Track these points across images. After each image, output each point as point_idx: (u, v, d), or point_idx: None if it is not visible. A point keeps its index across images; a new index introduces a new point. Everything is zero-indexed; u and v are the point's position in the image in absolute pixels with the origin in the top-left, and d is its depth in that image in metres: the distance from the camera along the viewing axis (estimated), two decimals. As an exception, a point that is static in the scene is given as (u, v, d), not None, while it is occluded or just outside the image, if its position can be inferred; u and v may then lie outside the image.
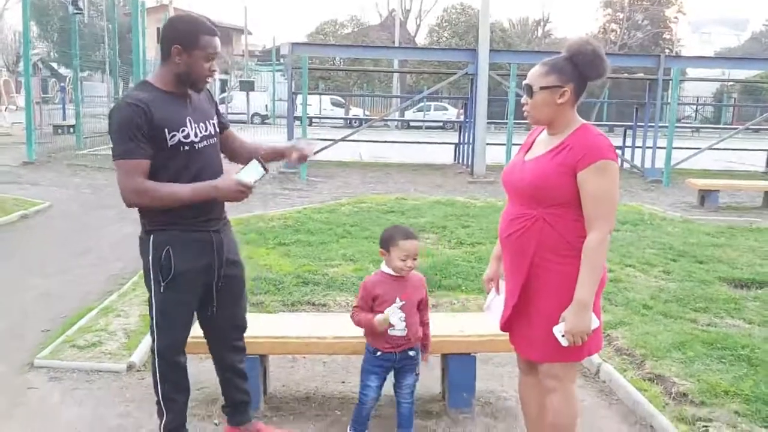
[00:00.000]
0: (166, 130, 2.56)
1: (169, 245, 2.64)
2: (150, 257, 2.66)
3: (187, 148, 2.62)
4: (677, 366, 3.85)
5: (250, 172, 2.64)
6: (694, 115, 40.52)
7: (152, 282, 2.68)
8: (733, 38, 62.00)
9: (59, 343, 4.16)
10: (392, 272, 2.88)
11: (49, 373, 3.83)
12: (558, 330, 2.43)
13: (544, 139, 2.57)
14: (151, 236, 2.67)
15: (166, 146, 2.58)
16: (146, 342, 4.15)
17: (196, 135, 2.65)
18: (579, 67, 2.44)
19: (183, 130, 2.61)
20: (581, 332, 2.40)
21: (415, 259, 2.87)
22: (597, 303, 2.52)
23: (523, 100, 2.55)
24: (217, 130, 2.82)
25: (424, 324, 3.06)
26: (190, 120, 2.65)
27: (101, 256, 6.57)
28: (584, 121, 2.52)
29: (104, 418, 3.35)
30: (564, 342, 2.43)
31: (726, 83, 36.64)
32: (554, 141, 2.50)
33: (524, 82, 2.53)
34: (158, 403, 2.85)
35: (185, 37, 2.57)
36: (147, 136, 2.53)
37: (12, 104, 25.93)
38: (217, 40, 2.64)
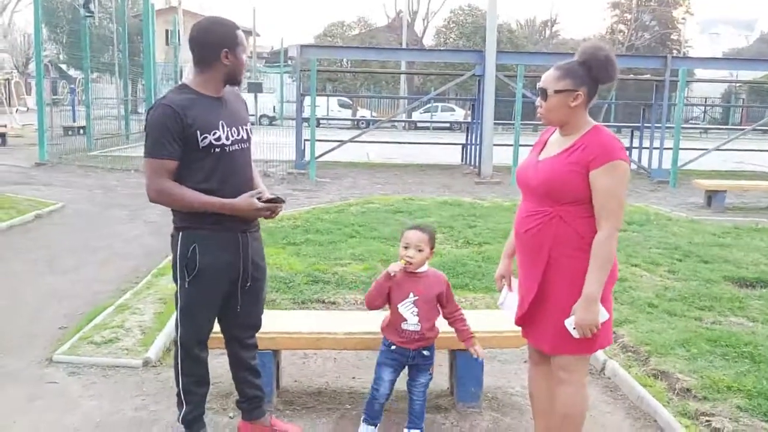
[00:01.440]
0: (198, 132, 2.67)
1: (195, 243, 2.75)
2: (177, 253, 2.78)
3: (218, 150, 2.73)
4: (681, 362, 3.92)
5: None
6: (702, 116, 40.43)
7: (178, 277, 2.80)
8: (741, 39, 61.79)
9: (77, 340, 4.27)
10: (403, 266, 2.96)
11: (67, 368, 3.93)
12: (569, 322, 2.54)
13: (557, 140, 2.67)
14: (180, 233, 2.79)
15: (198, 147, 2.69)
16: (162, 338, 4.26)
17: (227, 138, 2.76)
18: (592, 72, 2.54)
19: (215, 133, 2.71)
20: (590, 325, 2.50)
21: (420, 251, 2.95)
22: (608, 298, 2.62)
23: (537, 103, 2.65)
24: (250, 135, 2.92)
25: (456, 319, 3.11)
26: (222, 123, 2.75)
27: (114, 255, 6.69)
28: (596, 123, 2.63)
29: (121, 411, 3.45)
30: (575, 334, 2.53)
31: (734, 84, 36.55)
32: (567, 141, 2.60)
33: (538, 86, 2.63)
34: (178, 394, 2.96)
35: (229, 39, 2.71)
36: (179, 137, 2.65)
37: (22, 106, 26.19)
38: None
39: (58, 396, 3.61)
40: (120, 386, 3.74)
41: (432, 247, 3.03)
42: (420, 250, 2.96)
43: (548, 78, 2.59)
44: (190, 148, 2.68)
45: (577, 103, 2.55)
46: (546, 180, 2.57)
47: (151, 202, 2.75)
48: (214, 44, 2.70)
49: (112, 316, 4.68)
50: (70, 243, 7.16)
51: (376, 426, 3.13)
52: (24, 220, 8.04)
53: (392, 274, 2.95)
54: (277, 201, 2.81)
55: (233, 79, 2.80)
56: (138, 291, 5.29)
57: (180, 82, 2.85)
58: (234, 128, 2.80)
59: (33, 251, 6.76)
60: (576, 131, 2.59)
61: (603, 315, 2.53)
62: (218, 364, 3.59)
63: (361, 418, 3.17)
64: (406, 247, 2.97)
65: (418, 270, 3.01)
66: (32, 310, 4.98)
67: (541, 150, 2.73)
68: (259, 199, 2.77)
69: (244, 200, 2.75)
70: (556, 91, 2.56)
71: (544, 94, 2.60)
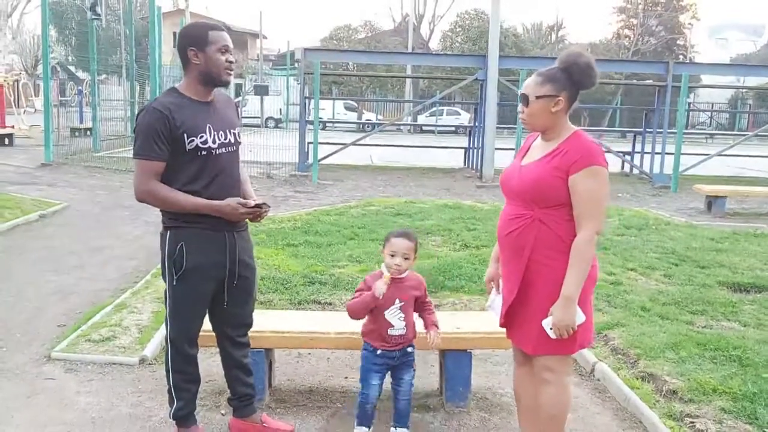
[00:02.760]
0: (185, 135, 2.75)
1: (183, 241, 2.83)
2: (165, 252, 2.86)
3: (204, 153, 2.81)
4: (670, 365, 3.97)
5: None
6: (708, 121, 40.37)
7: (167, 275, 2.88)
8: (749, 44, 61.57)
9: (75, 337, 4.35)
10: (387, 271, 2.99)
11: (65, 366, 4.01)
12: (546, 323, 2.60)
13: (539, 145, 2.74)
14: (168, 232, 2.87)
15: (185, 150, 2.77)
16: (158, 337, 4.32)
17: (214, 141, 2.83)
18: (573, 77, 2.62)
19: (201, 136, 2.79)
20: (567, 326, 2.56)
21: (407, 258, 2.97)
22: (587, 299, 2.68)
23: (519, 109, 2.72)
24: (238, 139, 2.98)
25: (426, 309, 3.10)
26: (210, 127, 2.83)
27: (115, 255, 6.77)
28: (576, 128, 2.70)
29: (117, 407, 3.52)
30: (552, 335, 2.59)
31: (740, 89, 36.52)
32: (549, 147, 2.66)
33: (520, 92, 2.71)
34: (169, 391, 3.03)
35: (196, 38, 2.79)
36: (167, 139, 2.73)
37: (30, 107, 26.39)
38: (225, 34, 2.84)
39: (55, 392, 3.68)
40: (116, 383, 3.81)
41: (416, 253, 3.04)
42: (407, 258, 2.98)
43: (530, 84, 2.66)
44: (178, 150, 2.76)
45: (558, 109, 2.62)
46: (528, 184, 2.63)
47: (139, 201, 2.84)
48: (184, 45, 2.79)
49: (110, 315, 4.75)
50: (72, 243, 7.25)
51: (370, 428, 3.16)
52: (28, 219, 8.15)
53: (380, 297, 2.93)
54: (261, 207, 2.87)
55: (211, 79, 2.83)
56: (137, 290, 5.37)
57: (171, 87, 2.93)
58: (221, 132, 2.87)
59: (36, 250, 6.85)
60: (557, 136, 2.66)
61: (580, 317, 2.58)
62: (213, 362, 3.66)
63: (355, 422, 3.19)
64: (392, 255, 2.97)
65: (402, 275, 3.03)
66: (33, 308, 5.06)
67: (524, 155, 2.80)
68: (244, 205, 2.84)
69: (228, 204, 2.82)
70: (538, 97, 2.62)
71: (525, 99, 2.66)
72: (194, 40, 2.78)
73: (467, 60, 18.09)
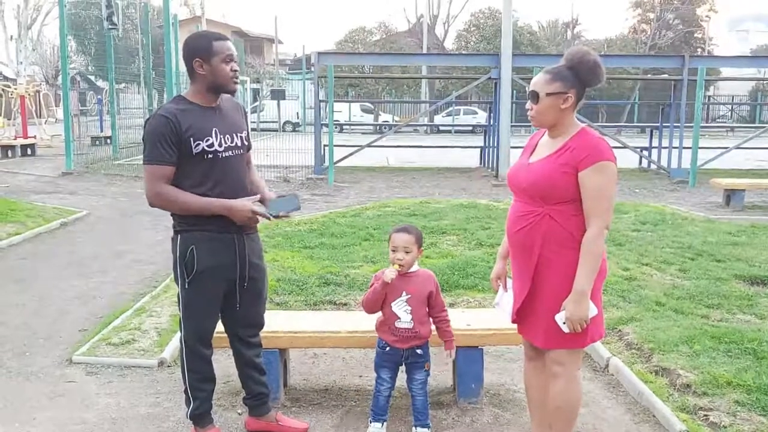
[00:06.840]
0: (191, 139, 2.82)
1: (193, 245, 2.90)
2: (177, 255, 2.93)
3: (210, 156, 2.87)
4: (683, 359, 3.96)
5: (284, 204, 2.99)
6: (730, 114, 39.88)
7: (179, 278, 2.95)
8: (770, 35, 60.65)
9: (95, 341, 4.45)
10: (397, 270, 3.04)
11: (86, 369, 4.11)
12: (560, 317, 2.63)
13: (546, 142, 2.77)
14: (179, 236, 2.94)
15: (191, 153, 2.84)
16: (176, 340, 4.39)
17: (220, 145, 2.90)
18: (580, 75, 2.65)
19: (207, 140, 2.86)
20: (580, 319, 2.59)
21: (408, 252, 3.04)
22: (598, 293, 2.71)
23: (527, 105, 2.76)
24: (245, 143, 3.04)
25: (441, 320, 3.16)
26: (216, 131, 2.89)
27: (136, 260, 6.89)
28: (583, 125, 2.73)
29: (136, 408, 3.60)
30: (565, 329, 2.63)
31: (761, 81, 36.01)
32: (557, 143, 2.70)
33: (529, 89, 2.74)
34: (186, 391, 3.10)
35: (201, 49, 2.86)
36: (174, 144, 2.80)
37: (51, 117, 26.80)
38: (229, 44, 2.91)
39: (76, 394, 3.78)
40: (135, 385, 3.89)
41: (420, 247, 3.10)
42: (408, 252, 3.04)
43: (539, 81, 2.69)
44: (185, 154, 2.83)
45: (566, 106, 2.66)
46: (537, 181, 2.67)
47: (151, 206, 2.91)
48: (189, 56, 2.86)
49: (130, 319, 4.85)
50: (93, 249, 7.38)
51: (383, 423, 3.20)
52: (50, 227, 8.31)
53: (389, 281, 3.02)
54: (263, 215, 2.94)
55: (219, 88, 2.91)
56: (156, 294, 5.47)
57: (177, 94, 3.00)
58: (228, 135, 2.93)
59: (58, 257, 6.99)
60: (565, 133, 2.69)
61: (592, 310, 2.62)
62: (230, 363, 3.70)
63: (369, 419, 3.24)
64: (394, 250, 3.06)
65: (409, 270, 3.09)
66: (56, 312, 5.18)
67: (532, 153, 2.83)
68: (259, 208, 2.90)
69: (239, 201, 2.88)
70: (548, 94, 2.66)
71: (535, 96, 2.69)
72: (199, 51, 2.85)
73: (480, 59, 18.06)
